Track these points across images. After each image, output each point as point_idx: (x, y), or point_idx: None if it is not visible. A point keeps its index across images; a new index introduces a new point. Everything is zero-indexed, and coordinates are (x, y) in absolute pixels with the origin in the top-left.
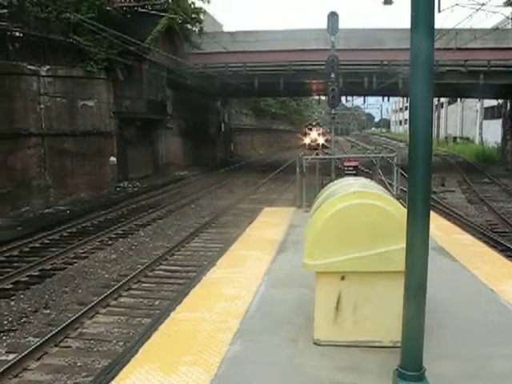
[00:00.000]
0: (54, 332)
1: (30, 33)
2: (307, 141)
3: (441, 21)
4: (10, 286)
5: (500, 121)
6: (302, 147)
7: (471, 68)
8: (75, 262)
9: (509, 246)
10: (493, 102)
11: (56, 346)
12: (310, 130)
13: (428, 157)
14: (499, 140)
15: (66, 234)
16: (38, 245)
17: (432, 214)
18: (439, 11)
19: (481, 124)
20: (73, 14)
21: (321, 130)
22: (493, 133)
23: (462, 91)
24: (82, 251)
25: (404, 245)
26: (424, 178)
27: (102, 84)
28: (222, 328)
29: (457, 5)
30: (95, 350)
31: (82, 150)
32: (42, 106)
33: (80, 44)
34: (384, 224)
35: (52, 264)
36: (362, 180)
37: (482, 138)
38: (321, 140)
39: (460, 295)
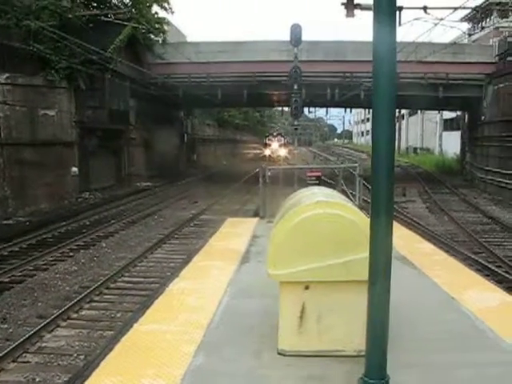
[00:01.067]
0: (11, 347)
1: None
2: (267, 152)
3: (401, 34)
4: None
5: (459, 132)
6: (262, 159)
7: (431, 81)
8: (35, 275)
9: (468, 254)
10: (452, 114)
11: (14, 361)
12: (271, 140)
13: (391, 167)
14: (458, 151)
15: (25, 246)
16: None
17: (394, 223)
18: (400, 25)
19: (440, 135)
20: (33, 22)
21: (282, 141)
22: (452, 144)
23: (422, 103)
24: (42, 263)
25: (367, 254)
26: (387, 188)
27: (64, 93)
28: (185, 340)
29: (416, 19)
30: (55, 364)
31: (42, 160)
32: (0, 115)
33: (41, 52)
34: (347, 233)
35: (10, 276)
36: (325, 190)
37: (441, 149)
38: (282, 151)
39: (422, 303)
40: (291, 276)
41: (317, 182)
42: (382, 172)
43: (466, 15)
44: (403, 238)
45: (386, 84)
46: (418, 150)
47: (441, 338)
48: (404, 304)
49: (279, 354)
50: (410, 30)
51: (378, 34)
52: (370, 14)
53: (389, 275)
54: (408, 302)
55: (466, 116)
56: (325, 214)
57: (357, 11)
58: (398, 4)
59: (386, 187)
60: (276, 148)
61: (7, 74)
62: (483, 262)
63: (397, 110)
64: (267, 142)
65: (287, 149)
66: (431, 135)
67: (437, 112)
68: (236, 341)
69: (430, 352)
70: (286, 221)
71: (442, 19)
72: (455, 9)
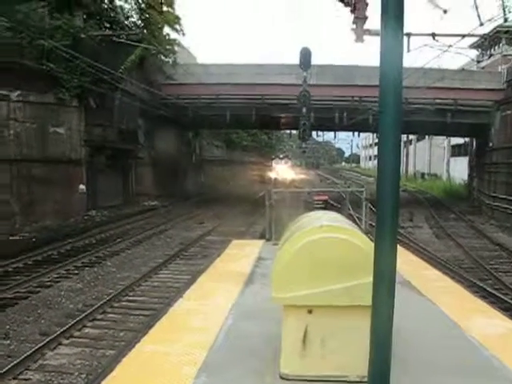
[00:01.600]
0: (13, 364)
1: (2, 58)
2: (274, 175)
3: (410, 60)
4: None
5: (466, 158)
6: (267, 183)
7: (439, 106)
8: (39, 291)
9: (475, 281)
10: (460, 140)
11: (15, 378)
12: (278, 163)
13: (396, 191)
14: (466, 177)
15: (30, 262)
16: (0, 272)
17: (400, 248)
18: (408, 51)
19: (448, 161)
20: (47, 41)
21: (289, 164)
22: (460, 170)
23: (430, 129)
24: (46, 280)
25: (371, 279)
26: (392, 212)
27: (74, 111)
28: (187, 361)
29: (425, 45)
30: (56, 382)
31: (50, 177)
32: (11, 132)
33: (53, 71)
34: (352, 258)
35: (15, 293)
36: (330, 214)
37: (449, 175)
38: (290, 175)
39: (426, 330)
40: (295, 300)
41: (323, 205)
42: (387, 196)
43: (475, 42)
44: (409, 264)
45: (392, 108)
46: (426, 176)
47: (444, 364)
48: (408, 330)
49: (281, 377)
50: (419, 56)
51: (385, 59)
52: (378, 39)
53: (392, 300)
54: (412, 328)
55: (474, 142)
56: (329, 238)
57: (366, 36)
58: (407, 30)
59: (390, 211)
60: (283, 171)
61: (19, 92)
62: (489, 289)
63: (405, 135)
64: (273, 164)
65: (294, 172)
66: (439, 161)
67: (445, 138)
68: (238, 363)
69: (434, 379)
70: (290, 244)
71: (450, 46)
72: (463, 36)
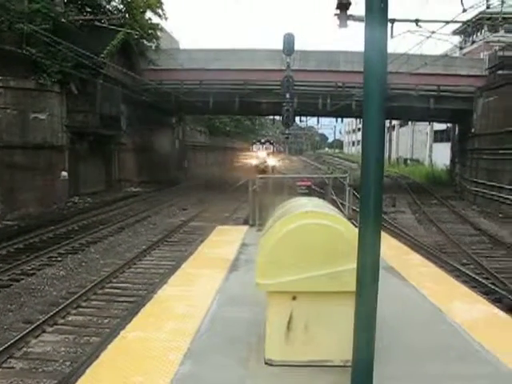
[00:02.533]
0: None
1: None
2: (254, 162)
3: (393, 46)
4: None
5: (449, 144)
6: (249, 170)
7: (422, 92)
8: (22, 279)
9: (456, 265)
10: (442, 126)
11: None
12: (258, 148)
13: (380, 178)
14: (448, 162)
15: (12, 250)
16: None
17: (383, 234)
18: (392, 37)
19: (431, 147)
20: (26, 25)
21: (271, 149)
22: (442, 155)
23: (413, 114)
24: (29, 268)
25: (355, 265)
26: (375, 198)
27: (55, 97)
28: (172, 347)
29: (408, 31)
30: (40, 370)
31: (32, 164)
32: None
33: (33, 56)
34: (335, 244)
35: None
36: (314, 200)
37: (431, 161)
38: (271, 161)
39: (410, 315)
40: (279, 286)
41: (307, 191)
42: (371, 182)
43: (458, 29)
44: (392, 249)
45: (376, 94)
46: (409, 161)
47: (428, 349)
48: (391, 315)
49: (266, 363)
50: (401, 42)
51: (369, 44)
52: (362, 25)
53: (376, 286)
54: (395, 313)
55: (457, 128)
56: (313, 224)
57: (350, 22)
58: (391, 16)
59: (374, 197)
60: (264, 157)
61: None
62: (471, 274)
63: (388, 121)
64: (254, 149)
65: (277, 158)
66: (421, 146)
67: (427, 123)
68: (223, 349)
69: (418, 364)
70: (274, 230)
71: (433, 32)
72: (447, 22)
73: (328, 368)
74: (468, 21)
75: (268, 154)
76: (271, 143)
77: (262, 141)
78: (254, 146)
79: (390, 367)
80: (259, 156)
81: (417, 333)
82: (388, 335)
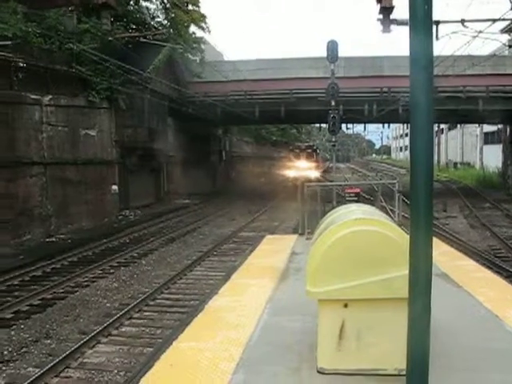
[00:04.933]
0: (54, 362)
1: (33, 63)
2: (291, 174)
3: (439, 48)
4: (11, 316)
5: (500, 146)
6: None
7: (470, 94)
8: (76, 291)
9: None
10: (492, 127)
11: (56, 376)
12: (298, 156)
13: (429, 182)
14: (500, 165)
15: (67, 263)
16: (39, 273)
17: (434, 239)
18: (437, 39)
19: (481, 149)
20: (75, 45)
21: (314, 157)
22: (493, 158)
23: (462, 117)
24: (83, 280)
25: (407, 271)
26: (426, 203)
27: (104, 113)
28: (224, 357)
29: (454, 32)
30: (96, 380)
31: (83, 179)
32: (44, 135)
33: (82, 74)
34: (386, 250)
35: (53, 293)
36: (363, 207)
37: (482, 163)
38: (313, 172)
39: (465, 322)
40: (330, 294)
41: (355, 198)
42: (421, 187)
43: (506, 27)
44: (444, 255)
45: (424, 98)
46: (459, 165)
47: (485, 357)
48: (446, 322)
49: (318, 372)
50: (448, 43)
51: (414, 48)
52: (406, 29)
53: (429, 292)
54: (450, 320)
55: (508, 129)
56: (363, 231)
57: (393, 26)
58: (435, 18)
59: (424, 202)
60: (304, 167)
61: (50, 96)
62: None
63: (436, 125)
64: (292, 158)
65: (321, 168)
66: (471, 149)
67: (477, 125)
68: (275, 359)
69: (474, 372)
70: (324, 238)
71: (480, 32)
72: (494, 21)
73: (381, 377)
74: None
75: (309, 164)
76: (314, 149)
77: (303, 147)
78: (292, 153)
79: (446, 376)
80: (298, 166)
81: (473, 340)
82: (443, 343)
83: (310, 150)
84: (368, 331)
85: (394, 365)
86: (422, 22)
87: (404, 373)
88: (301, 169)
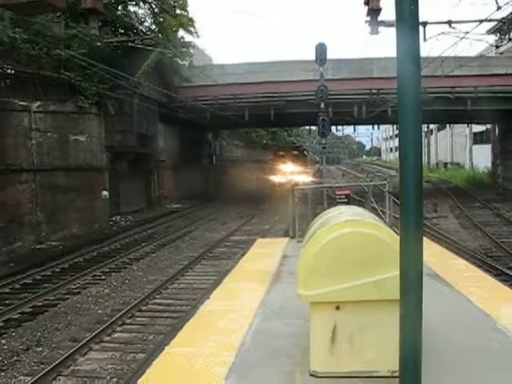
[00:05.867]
0: (45, 370)
1: (21, 69)
2: (276, 179)
3: (426, 49)
4: (1, 324)
5: (489, 145)
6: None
7: (458, 95)
8: (68, 298)
9: (503, 270)
10: (481, 127)
11: None
12: (281, 158)
13: (419, 183)
14: (489, 164)
15: (58, 270)
16: (29, 281)
17: (425, 239)
18: (425, 40)
19: (470, 149)
20: (63, 51)
21: (302, 160)
22: (483, 157)
23: (451, 117)
24: (74, 287)
25: (398, 272)
26: (415, 204)
27: (93, 119)
28: (217, 362)
29: (442, 33)
30: None
31: (73, 185)
32: (33, 142)
33: (71, 79)
34: (377, 252)
35: (44, 300)
36: (354, 208)
37: (472, 163)
38: (301, 177)
39: (456, 321)
40: (322, 296)
41: (346, 200)
42: (411, 188)
43: (493, 27)
44: (435, 255)
45: (412, 99)
46: (448, 165)
47: (477, 356)
48: (437, 322)
49: (311, 375)
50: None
51: (401, 49)
52: (393, 30)
53: (420, 293)
54: (442, 320)
55: (497, 129)
56: (354, 232)
57: (381, 28)
58: (422, 19)
59: (414, 203)
60: (291, 171)
61: (39, 102)
62: None
63: (425, 125)
64: (276, 161)
65: (309, 172)
66: (461, 149)
67: (466, 126)
68: (268, 362)
69: (467, 372)
70: (315, 241)
71: (467, 33)
72: (481, 21)
73: (375, 379)
74: (503, 18)
75: (297, 167)
76: (301, 151)
77: (288, 149)
78: (275, 155)
79: (439, 376)
80: (283, 170)
81: (466, 340)
82: (435, 343)
83: (296, 152)
84: (360, 333)
85: (387, 366)
86: (409, 21)
87: (397, 374)
88: (287, 173)
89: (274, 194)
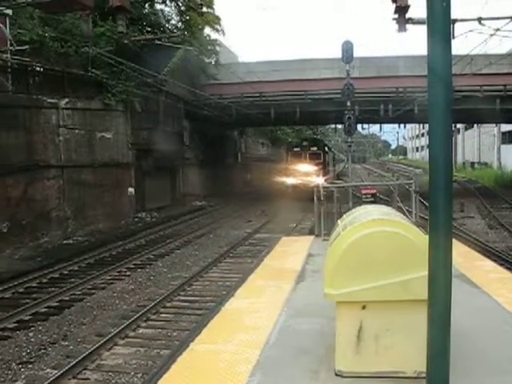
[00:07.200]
0: (71, 364)
1: (50, 67)
2: (290, 181)
3: (455, 47)
4: (29, 318)
5: None
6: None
7: (487, 93)
8: (93, 293)
9: None
10: (510, 127)
11: (74, 378)
12: (298, 157)
13: (449, 184)
14: None
15: (84, 265)
16: (56, 276)
17: (453, 240)
18: (453, 38)
19: (499, 149)
20: (91, 48)
21: (321, 158)
22: (511, 157)
23: (479, 116)
24: (100, 282)
25: (426, 273)
26: (445, 204)
27: (120, 116)
28: (241, 359)
29: (471, 31)
30: (113, 382)
31: (100, 182)
32: (61, 138)
33: (98, 77)
34: (405, 252)
35: (71, 295)
36: (381, 207)
37: (500, 163)
38: (322, 179)
39: (484, 323)
40: (348, 296)
41: (372, 199)
42: (440, 187)
43: None
44: (462, 256)
45: (442, 98)
46: (476, 165)
47: (506, 359)
48: (465, 324)
49: (336, 374)
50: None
51: (432, 47)
52: (421, 28)
53: (449, 294)
54: (470, 322)
55: None
56: (381, 232)
57: (408, 26)
58: (452, 17)
59: (444, 203)
60: (306, 172)
61: (67, 99)
62: None
63: (453, 125)
64: (290, 159)
65: (331, 172)
66: (489, 149)
67: (494, 125)
68: (293, 361)
69: (494, 374)
70: (342, 240)
71: (497, 30)
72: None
73: (400, 379)
74: None
75: (316, 167)
76: (321, 146)
77: (305, 143)
78: (291, 153)
79: (466, 378)
80: (300, 171)
81: (493, 342)
82: (463, 345)
83: (315, 149)
84: (386, 333)
85: (413, 367)
86: (440, 19)
87: (423, 375)
88: (303, 174)
89: (299, 191)
